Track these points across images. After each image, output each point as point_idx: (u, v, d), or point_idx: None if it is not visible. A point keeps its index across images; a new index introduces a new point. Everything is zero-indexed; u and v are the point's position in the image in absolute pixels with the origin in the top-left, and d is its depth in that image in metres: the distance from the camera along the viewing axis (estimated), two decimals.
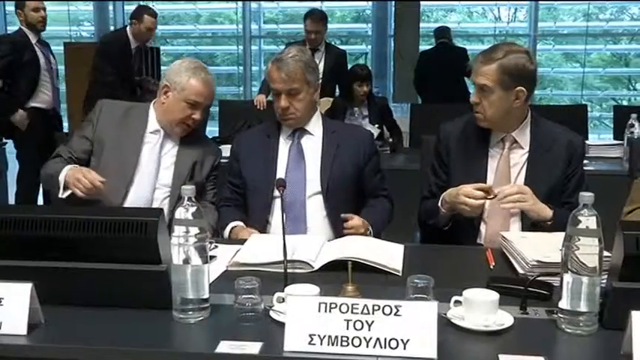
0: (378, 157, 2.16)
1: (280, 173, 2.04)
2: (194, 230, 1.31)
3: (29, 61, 4.19)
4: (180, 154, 2.14)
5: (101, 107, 2.17)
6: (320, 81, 2.09)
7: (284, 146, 2.08)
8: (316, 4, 8.42)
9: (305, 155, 2.07)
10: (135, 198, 2.06)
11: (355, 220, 1.93)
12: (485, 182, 1.95)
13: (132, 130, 2.12)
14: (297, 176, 2.02)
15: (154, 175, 2.10)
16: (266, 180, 2.03)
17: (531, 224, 1.88)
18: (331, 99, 4.80)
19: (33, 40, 4.26)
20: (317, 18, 4.65)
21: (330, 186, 2.03)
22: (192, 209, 1.32)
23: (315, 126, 2.10)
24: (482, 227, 1.99)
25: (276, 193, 1.96)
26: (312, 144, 2.08)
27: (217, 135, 4.50)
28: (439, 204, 1.96)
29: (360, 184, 2.11)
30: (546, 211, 1.84)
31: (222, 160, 2.23)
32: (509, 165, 1.99)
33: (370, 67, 4.70)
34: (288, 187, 1.88)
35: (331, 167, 2.05)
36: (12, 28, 8.03)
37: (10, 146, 4.59)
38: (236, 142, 2.19)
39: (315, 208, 2.03)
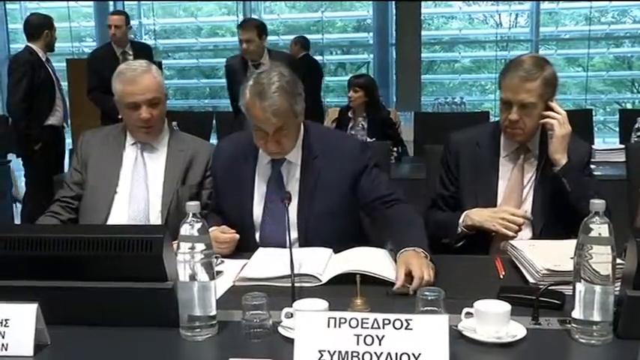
0: (375, 166, 1.95)
1: (257, 210, 1.90)
2: (200, 246, 1.30)
3: (45, 79, 4.25)
4: (169, 160, 2.12)
5: (84, 135, 2.20)
6: (303, 99, 1.83)
7: (262, 176, 1.92)
8: (316, 16, 8.47)
9: (286, 189, 1.88)
10: (131, 213, 2.05)
11: (417, 274, 1.50)
12: (495, 193, 1.94)
13: (111, 149, 2.11)
14: (278, 217, 1.84)
15: (143, 187, 2.08)
16: (240, 216, 1.90)
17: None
18: (338, 109, 4.81)
19: (43, 58, 4.31)
20: (249, 26, 4.24)
21: (309, 229, 1.84)
22: (198, 225, 1.31)
23: (297, 151, 1.90)
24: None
25: (257, 222, 1.89)
26: (293, 175, 1.90)
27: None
28: (459, 221, 1.93)
29: (354, 208, 1.92)
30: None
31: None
32: (523, 175, 1.98)
33: (372, 76, 4.71)
34: (269, 233, 1.79)
35: (310, 205, 1.85)
36: (15, 46, 8.09)
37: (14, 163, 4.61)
38: (215, 156, 2.04)
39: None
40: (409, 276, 1.50)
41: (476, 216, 1.91)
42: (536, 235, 1.92)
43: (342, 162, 1.89)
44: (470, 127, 2.09)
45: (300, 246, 1.86)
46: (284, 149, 1.85)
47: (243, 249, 1.85)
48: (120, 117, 2.14)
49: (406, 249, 1.60)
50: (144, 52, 4.60)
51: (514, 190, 1.96)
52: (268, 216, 1.88)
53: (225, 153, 2.02)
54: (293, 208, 1.87)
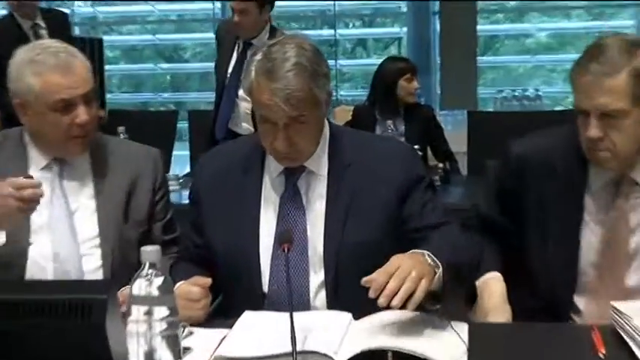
0: (430, 186, 1.98)
1: (266, 242, 1.91)
2: (161, 312, 1.30)
3: None
4: (101, 186, 2.08)
5: None
6: (330, 82, 1.91)
7: (271, 193, 1.96)
8: None
9: (307, 212, 1.92)
10: (57, 274, 2.00)
11: (378, 274, 1.59)
12: (577, 246, 1.91)
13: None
14: (295, 252, 1.84)
15: (68, 235, 2.03)
16: (240, 257, 1.91)
17: None
18: (349, 107, 4.83)
19: None
20: None
21: (342, 268, 1.86)
22: (158, 281, 1.31)
23: (321, 159, 1.95)
24: (581, 300, 1.95)
25: (266, 264, 1.89)
26: (316, 191, 1.94)
27: (189, 160, 4.52)
28: (481, 278, 1.95)
29: (397, 242, 1.89)
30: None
31: (186, 201, 2.19)
32: (627, 220, 1.89)
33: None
34: (284, 282, 1.73)
35: (342, 231, 1.88)
36: None
37: None
38: (197, 174, 2.06)
39: (324, 303, 1.90)
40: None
41: (489, 299, 1.91)
42: None
43: (385, 172, 1.92)
44: (541, 133, 2.04)
45: (329, 296, 1.87)
46: (300, 152, 1.87)
47: (241, 307, 1.84)
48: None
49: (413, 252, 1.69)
50: (59, 23, 4.62)
51: (612, 244, 1.91)
52: (281, 253, 1.88)
53: (210, 170, 2.03)
54: (317, 239, 1.89)
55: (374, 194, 1.90)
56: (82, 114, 1.98)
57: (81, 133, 2.02)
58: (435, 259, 1.67)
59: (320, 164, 1.93)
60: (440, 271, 1.66)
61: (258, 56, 1.84)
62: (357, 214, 1.89)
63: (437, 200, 1.98)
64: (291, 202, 1.92)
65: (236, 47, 4.28)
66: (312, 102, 1.82)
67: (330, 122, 2.00)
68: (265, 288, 1.91)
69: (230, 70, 4.22)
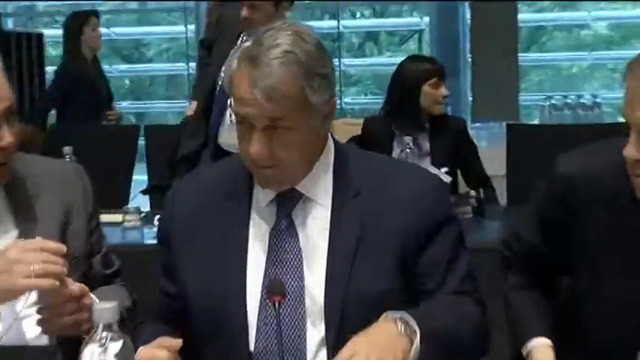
0: (454, 228, 1.99)
1: (254, 290, 1.90)
2: None
3: None
4: (23, 222, 2.03)
5: None
6: (334, 88, 1.92)
7: (261, 227, 1.98)
8: None
9: (304, 250, 1.94)
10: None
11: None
12: None
13: None
14: (289, 301, 1.86)
15: None
16: (225, 302, 1.90)
17: None
18: (355, 121, 4.83)
19: None
20: None
21: (347, 322, 1.86)
22: (115, 346, 1.31)
23: (322, 184, 1.98)
24: None
25: (254, 315, 1.87)
26: (316, 224, 1.97)
27: (148, 188, 4.54)
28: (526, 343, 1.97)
29: (410, 296, 1.92)
30: None
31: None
32: None
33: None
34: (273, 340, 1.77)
35: (349, 276, 1.89)
36: None
37: None
38: (169, 205, 2.07)
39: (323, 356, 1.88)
40: None
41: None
42: None
43: (403, 207, 1.91)
44: (596, 147, 2.04)
45: (330, 356, 1.84)
46: (283, 166, 1.87)
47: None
48: None
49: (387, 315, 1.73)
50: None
51: None
52: (271, 305, 1.87)
53: (186, 199, 2.04)
54: (316, 285, 1.88)
55: (388, 233, 1.90)
56: (6, 135, 1.94)
57: (2, 159, 1.98)
58: (412, 323, 1.69)
59: (321, 190, 1.94)
60: (417, 340, 1.67)
61: (248, 43, 1.86)
62: (368, 255, 1.89)
63: (463, 257, 1.96)
64: (284, 238, 1.91)
65: (239, 42, 4.30)
66: (302, 104, 1.83)
67: (335, 140, 2.00)
68: (252, 346, 1.89)
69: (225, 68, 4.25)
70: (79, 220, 2.10)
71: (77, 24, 6.16)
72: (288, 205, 1.93)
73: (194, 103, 4.70)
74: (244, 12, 4.18)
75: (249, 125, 1.82)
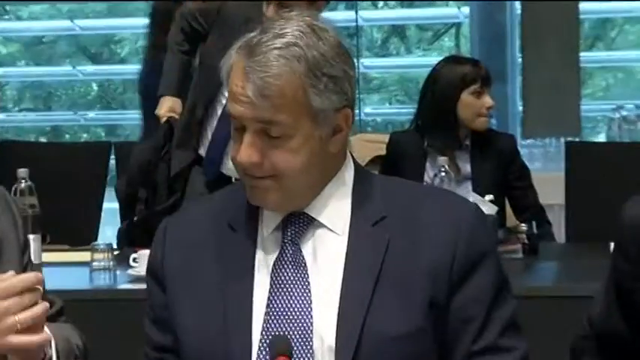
0: (492, 268, 2.02)
1: (258, 324, 1.97)
2: None
3: None
4: None
5: None
6: (350, 97, 1.96)
7: (266, 257, 2.06)
8: None
9: (313, 284, 1.99)
10: None
11: None
12: None
13: None
14: (294, 342, 1.93)
15: None
16: (228, 345, 1.97)
17: None
18: (376, 136, 4.87)
19: None
20: None
21: (362, 357, 1.93)
22: None
23: (337, 208, 2.04)
24: None
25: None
26: (329, 255, 2.04)
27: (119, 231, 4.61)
28: None
29: (442, 339, 1.99)
30: None
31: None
32: None
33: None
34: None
35: (365, 315, 1.95)
36: None
37: None
38: (161, 239, 2.11)
39: None
40: None
41: None
42: None
43: (436, 235, 1.98)
44: None
45: None
46: (281, 176, 1.93)
47: None
48: None
49: None
50: None
51: None
52: (272, 324, 1.97)
53: (180, 235, 2.10)
54: (326, 324, 1.94)
55: (415, 267, 1.96)
56: None
57: None
58: None
59: (336, 216, 2.00)
60: None
61: (252, 33, 1.93)
62: (389, 291, 1.95)
63: (507, 303, 2.01)
64: (289, 268, 1.98)
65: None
66: (302, 108, 1.89)
67: (355, 161, 2.06)
68: None
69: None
70: (11, 254, 2.12)
71: None
72: (296, 230, 1.99)
73: (165, 101, 4.70)
74: (269, 11, 4.25)
75: (241, 129, 1.90)
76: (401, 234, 1.98)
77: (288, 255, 1.99)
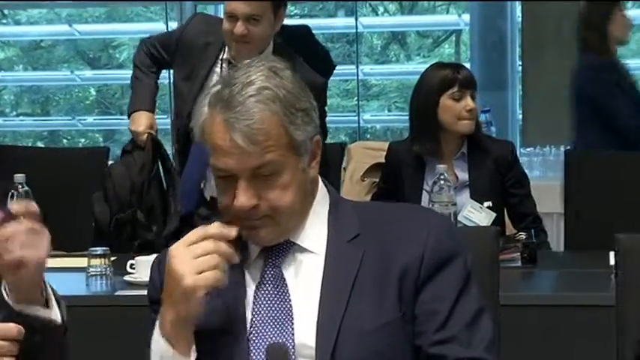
0: (459, 263, 2.09)
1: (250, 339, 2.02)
2: None
3: None
4: None
5: None
6: (317, 124, 2.06)
7: (250, 284, 2.09)
8: None
9: (292, 298, 2.05)
10: None
11: None
12: None
13: None
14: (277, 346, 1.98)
15: None
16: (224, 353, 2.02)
17: None
18: (376, 144, 4.85)
19: None
20: None
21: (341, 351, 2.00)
22: None
23: (316, 231, 2.11)
24: None
25: None
26: (308, 271, 2.10)
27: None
28: None
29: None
30: None
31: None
32: None
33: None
34: None
35: (342, 316, 2.03)
36: None
37: None
38: (154, 278, 2.15)
39: None
40: None
41: None
42: None
43: (407, 239, 2.06)
44: None
45: None
46: (277, 212, 2.00)
47: None
48: None
49: None
50: None
51: None
52: (258, 337, 2.03)
53: None
54: (309, 330, 2.01)
55: (387, 271, 2.05)
56: None
57: None
58: None
59: (315, 238, 2.09)
60: None
61: (217, 86, 2.00)
62: (364, 295, 2.03)
63: (470, 302, 2.06)
64: (271, 287, 2.05)
65: (218, 66, 4.40)
66: (288, 144, 1.98)
67: (326, 184, 2.14)
68: None
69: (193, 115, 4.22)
70: None
71: None
72: (277, 254, 2.06)
73: (142, 117, 4.61)
74: (240, 28, 4.20)
75: (231, 178, 1.96)
76: (374, 247, 2.08)
77: (270, 277, 2.07)
